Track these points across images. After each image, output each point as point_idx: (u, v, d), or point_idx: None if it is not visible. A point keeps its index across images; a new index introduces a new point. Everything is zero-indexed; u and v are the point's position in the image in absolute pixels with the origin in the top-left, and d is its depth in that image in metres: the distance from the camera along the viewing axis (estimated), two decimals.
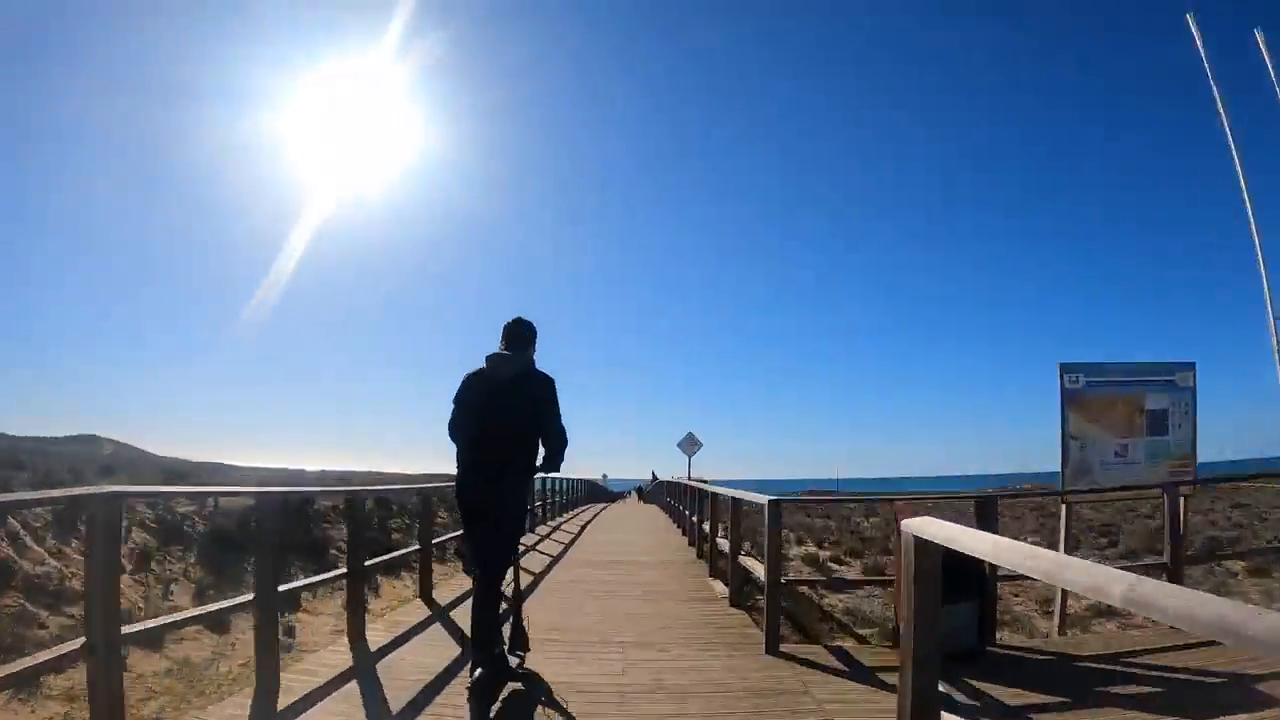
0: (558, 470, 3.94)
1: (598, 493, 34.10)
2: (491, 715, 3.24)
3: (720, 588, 6.97)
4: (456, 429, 3.77)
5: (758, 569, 5.30)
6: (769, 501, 4.72)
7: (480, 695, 3.26)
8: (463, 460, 3.72)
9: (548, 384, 3.79)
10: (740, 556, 6.11)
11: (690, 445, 24.71)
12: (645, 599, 6.53)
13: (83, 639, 2.64)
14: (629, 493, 77.15)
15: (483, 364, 3.80)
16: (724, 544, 6.98)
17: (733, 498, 6.37)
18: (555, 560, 9.34)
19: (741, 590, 6.34)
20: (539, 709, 3.35)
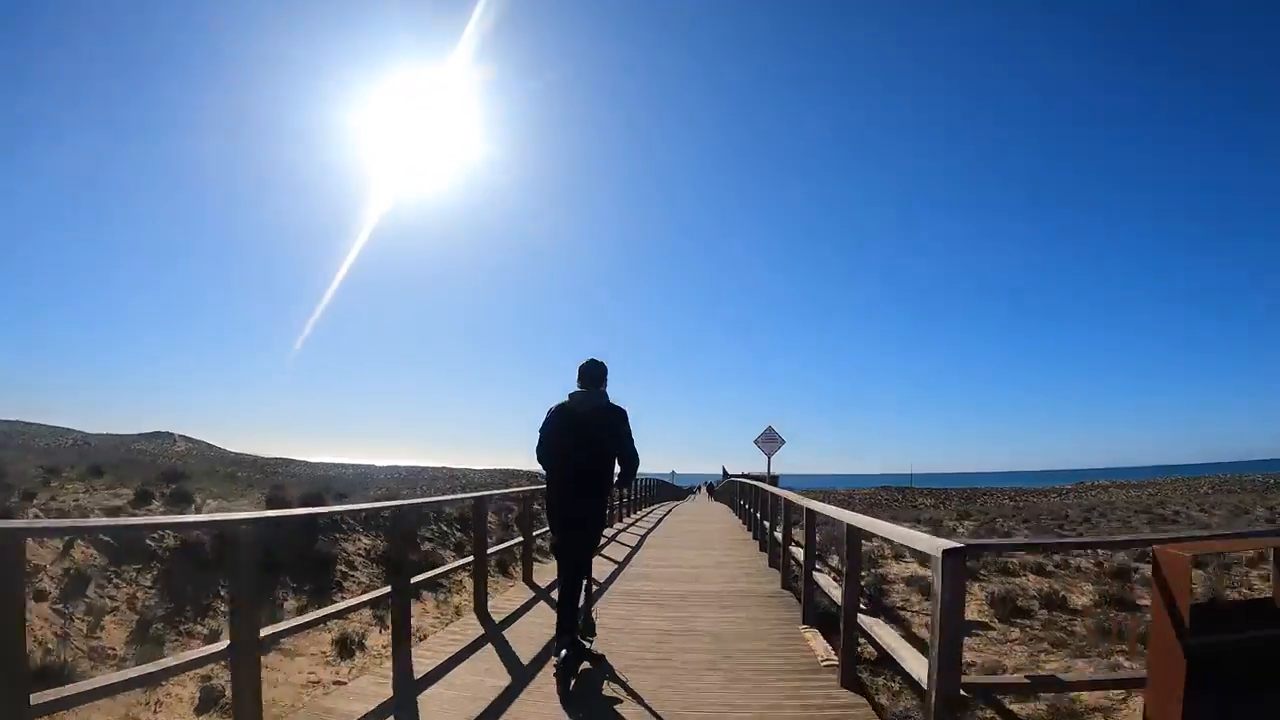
0: (629, 485, 5.12)
1: (665, 490, 32.46)
2: (571, 687, 4.12)
3: (821, 647, 4.93)
4: (544, 455, 4.55)
5: (907, 658, 3.23)
6: (944, 553, 2.59)
7: (564, 671, 4.16)
8: (552, 480, 4.57)
9: (621, 414, 4.57)
10: (862, 617, 3.99)
11: (768, 442, 22.16)
12: (716, 667, 4.53)
13: None
14: (698, 488, 75.16)
15: (564, 399, 4.58)
16: (827, 584, 4.92)
17: (848, 526, 4.14)
18: (603, 587, 7.41)
19: (855, 650, 4.25)
20: (605, 682, 4.29)
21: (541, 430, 4.56)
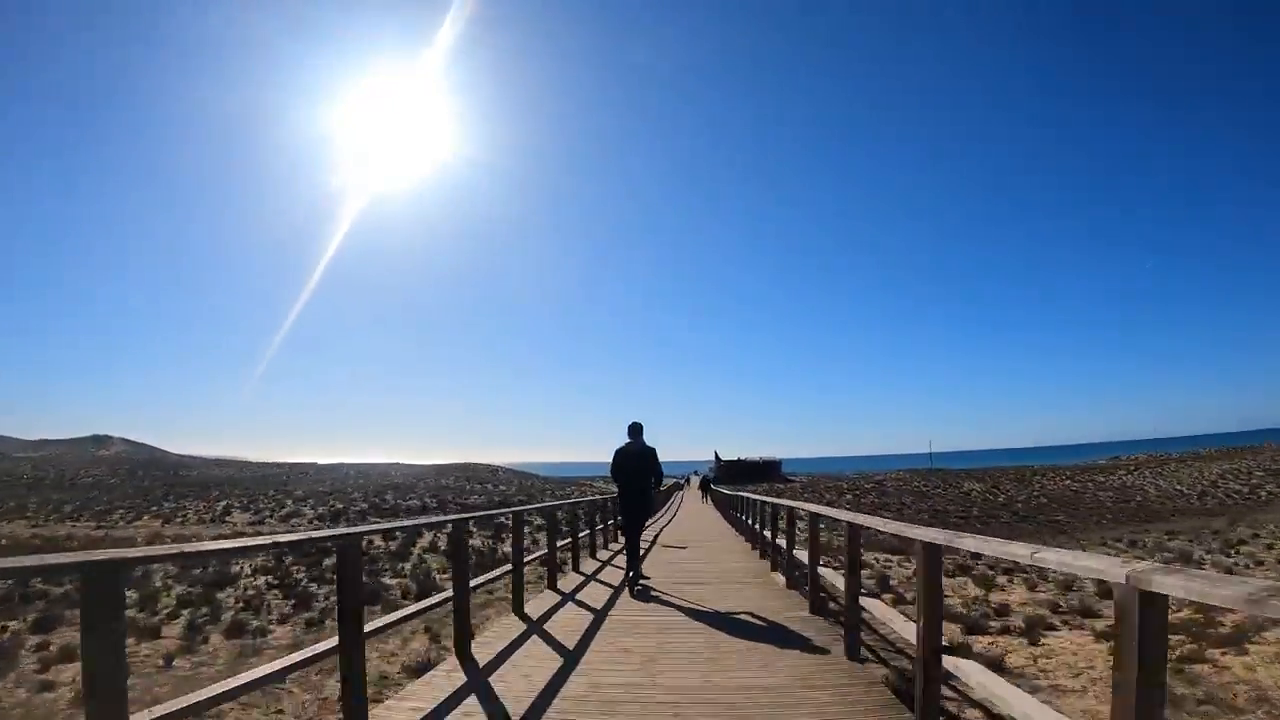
0: (659, 486, 10.13)
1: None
2: (634, 592, 8.50)
3: None
4: (615, 476, 9.36)
5: None
6: None
7: (631, 584, 8.92)
8: (620, 489, 9.49)
9: (653, 451, 9.27)
10: None
11: None
12: None
13: None
14: (686, 479, 71.18)
15: (623, 443, 9.29)
16: None
17: None
18: None
19: None
20: (654, 592, 8.50)
21: (612, 462, 9.27)
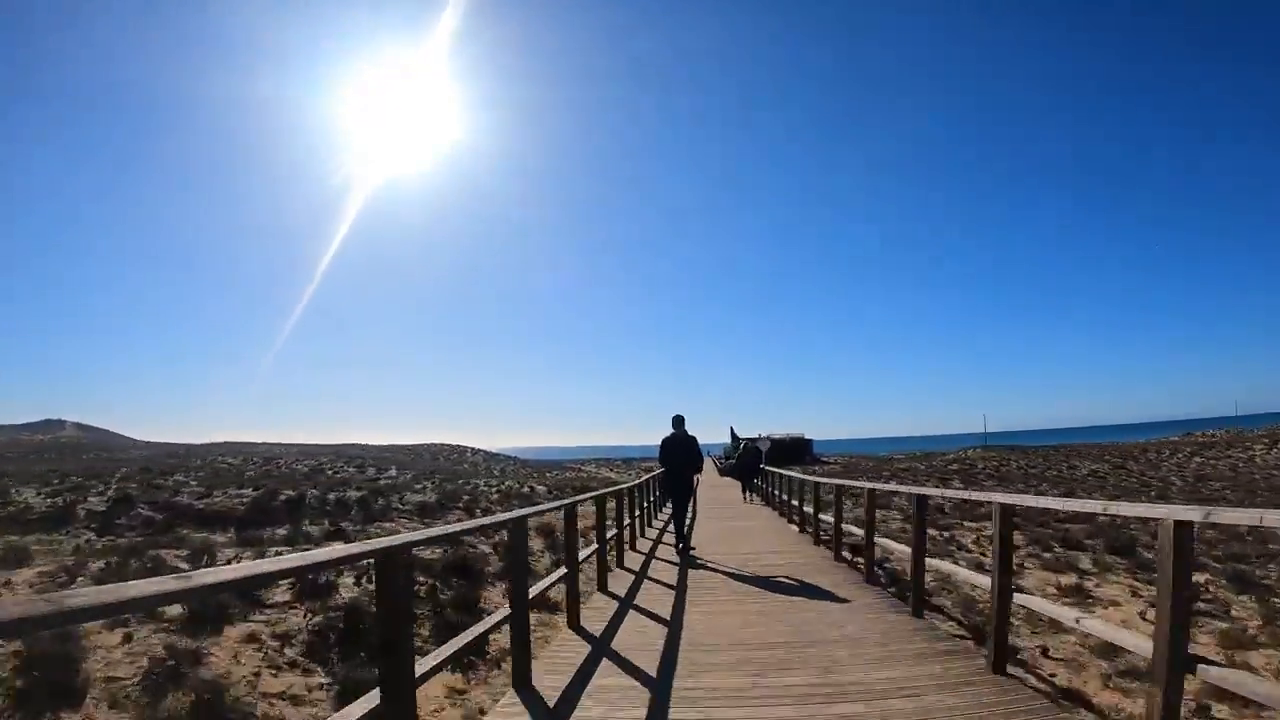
0: (700, 470, 12.78)
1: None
2: (687, 560, 11.55)
3: None
4: (664, 461, 12.37)
5: None
6: None
7: (682, 554, 11.92)
8: (667, 471, 12.44)
9: (695, 439, 12.44)
10: None
11: None
12: None
13: None
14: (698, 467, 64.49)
15: (670, 432, 12.25)
16: None
17: None
18: None
19: None
20: (699, 561, 11.24)
21: (660, 449, 12.24)
